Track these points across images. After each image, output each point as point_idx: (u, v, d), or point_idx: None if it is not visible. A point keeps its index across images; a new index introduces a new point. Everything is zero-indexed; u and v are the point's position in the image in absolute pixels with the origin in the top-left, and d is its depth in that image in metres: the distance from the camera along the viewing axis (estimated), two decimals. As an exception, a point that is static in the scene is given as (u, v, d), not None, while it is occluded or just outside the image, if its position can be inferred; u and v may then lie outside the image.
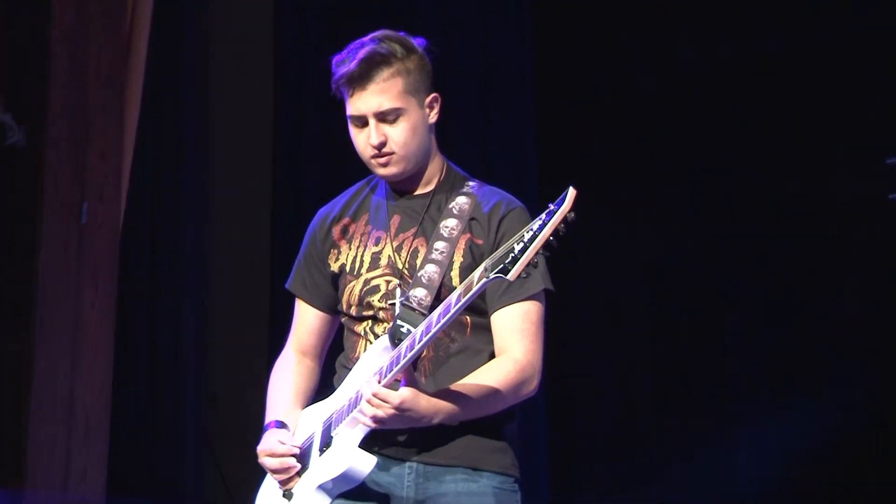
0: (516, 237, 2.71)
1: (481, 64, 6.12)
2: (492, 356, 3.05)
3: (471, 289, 2.74)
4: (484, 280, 2.71)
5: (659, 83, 5.96)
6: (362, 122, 3.08)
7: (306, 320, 3.28)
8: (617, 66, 6.14)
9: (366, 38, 3.11)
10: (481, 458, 3.02)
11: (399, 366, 2.85)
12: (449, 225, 3.06)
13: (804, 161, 5.74)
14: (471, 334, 3.06)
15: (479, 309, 2.99)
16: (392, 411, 2.83)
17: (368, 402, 2.86)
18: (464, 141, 5.93)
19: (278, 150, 6.19)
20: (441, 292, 2.99)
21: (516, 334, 3.01)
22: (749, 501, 5.81)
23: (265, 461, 3.08)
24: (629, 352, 6.17)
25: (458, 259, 3.05)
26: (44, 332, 5.23)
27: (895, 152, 5.49)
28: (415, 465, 3.02)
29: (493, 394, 2.96)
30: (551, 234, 2.66)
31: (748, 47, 5.80)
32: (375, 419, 2.86)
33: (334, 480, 2.98)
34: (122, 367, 5.51)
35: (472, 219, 3.08)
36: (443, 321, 2.80)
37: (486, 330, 3.05)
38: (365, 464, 2.94)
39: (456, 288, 2.89)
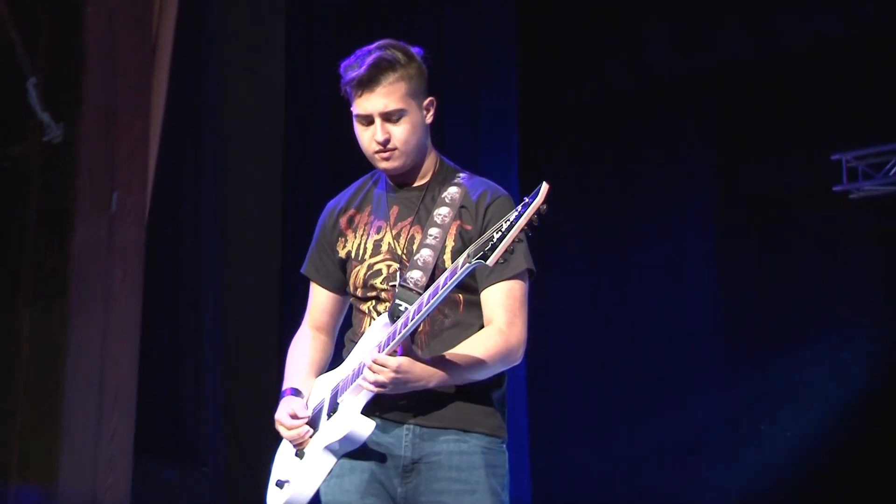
0: (495, 227, 2.84)
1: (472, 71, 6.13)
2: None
3: (455, 273, 2.89)
4: (467, 266, 2.86)
5: (631, 88, 6.05)
6: (368, 120, 3.19)
7: (319, 300, 3.41)
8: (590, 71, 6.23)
9: (371, 46, 3.23)
10: (471, 420, 3.14)
11: (395, 340, 2.98)
12: (442, 213, 3.20)
13: (757, 157, 5.85)
14: (463, 310, 3.18)
15: (471, 288, 3.12)
16: (391, 375, 2.97)
17: (370, 367, 2.99)
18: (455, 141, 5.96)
19: (289, 140, 6.22)
20: (435, 273, 3.12)
21: (501, 308, 3.14)
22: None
23: (281, 428, 3.21)
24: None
25: (449, 243, 3.18)
26: (78, 307, 5.32)
27: (839, 149, 5.70)
28: (412, 427, 3.13)
29: (480, 361, 3.09)
30: (526, 225, 2.79)
31: (709, 56, 5.90)
32: (376, 383, 2.99)
33: (339, 442, 3.10)
34: (147, 339, 5.61)
35: (461, 207, 3.21)
36: (432, 301, 2.94)
37: (477, 306, 3.18)
38: (365, 427, 3.07)
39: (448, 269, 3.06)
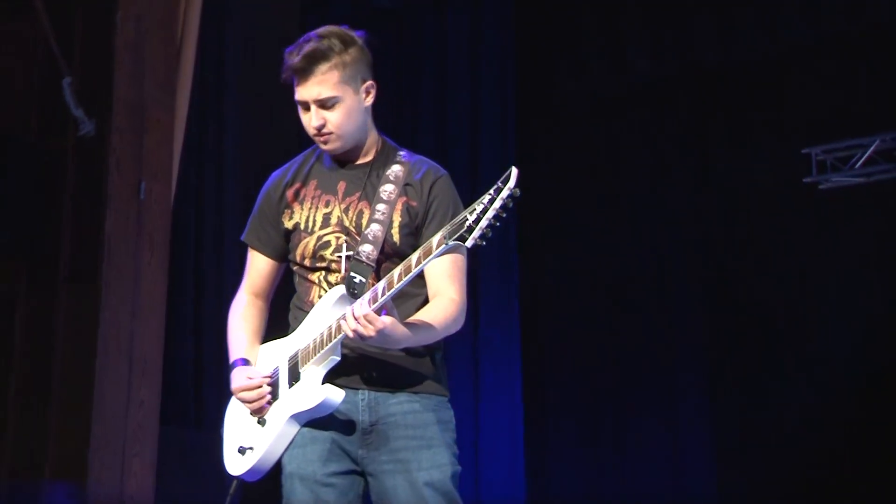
0: (468, 209, 2.88)
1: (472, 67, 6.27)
2: (426, 300, 3.26)
3: (430, 252, 2.94)
4: (444, 246, 2.90)
5: (615, 89, 6.17)
6: (305, 106, 3.25)
7: (259, 267, 3.42)
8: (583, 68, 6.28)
9: (312, 34, 3.27)
10: (418, 382, 3.24)
11: (381, 301, 3.02)
12: (387, 190, 3.26)
13: (733, 152, 5.97)
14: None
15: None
16: (373, 333, 3.02)
17: (356, 319, 3.02)
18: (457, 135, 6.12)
19: (303, 135, 6.56)
20: (384, 247, 3.22)
21: (448, 279, 3.24)
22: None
23: (242, 395, 3.24)
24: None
25: (396, 219, 3.25)
26: (109, 286, 5.45)
27: (809, 144, 5.80)
28: (366, 392, 3.22)
29: (443, 325, 3.19)
30: (500, 208, 2.83)
31: (690, 59, 6.04)
32: (358, 333, 3.03)
33: (309, 411, 3.15)
34: (173, 315, 5.72)
35: (406, 184, 3.27)
36: (406, 278, 2.99)
37: (420, 277, 3.20)
38: (336, 395, 3.14)
39: (396, 242, 3.21)
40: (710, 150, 6.10)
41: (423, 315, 3.22)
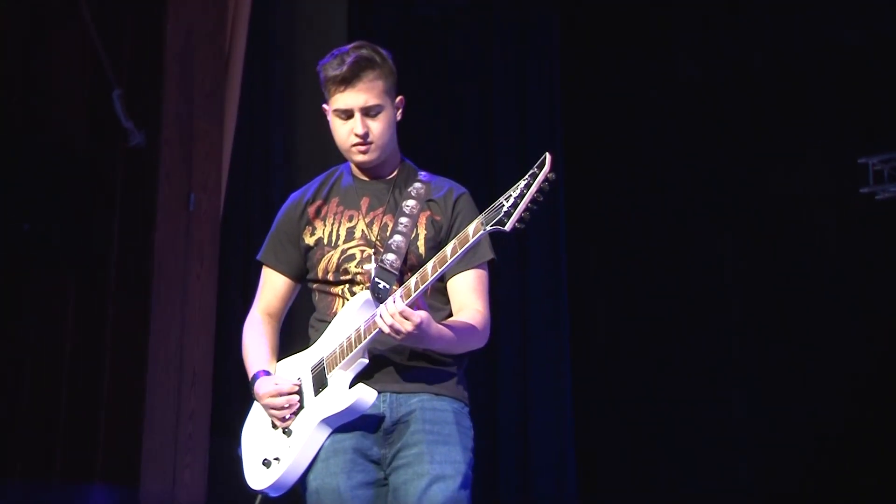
0: (503, 196, 2.90)
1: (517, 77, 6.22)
2: (449, 314, 3.27)
3: (467, 241, 2.96)
4: (481, 232, 2.92)
5: (659, 92, 6.08)
6: (348, 115, 3.25)
7: (275, 286, 3.44)
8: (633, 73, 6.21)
9: (348, 47, 3.31)
10: (441, 386, 3.25)
11: (413, 296, 3.02)
12: (409, 204, 3.28)
13: (787, 162, 5.83)
14: (430, 294, 3.27)
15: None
16: (410, 328, 3.01)
17: (392, 315, 3.00)
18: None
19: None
20: (408, 257, 3.23)
21: (473, 294, 3.26)
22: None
23: (269, 402, 3.21)
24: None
25: (421, 231, 3.27)
26: (159, 298, 5.44)
27: (866, 153, 5.68)
28: (388, 394, 3.20)
29: (470, 334, 3.20)
30: (537, 192, 2.84)
31: (737, 61, 5.94)
32: (394, 329, 3.02)
33: (339, 414, 3.13)
34: (222, 327, 5.67)
35: (428, 200, 3.30)
36: (440, 269, 3.01)
37: (442, 292, 3.29)
38: (369, 396, 3.12)
39: (422, 254, 3.21)
40: (763, 159, 5.98)
41: (452, 321, 3.23)
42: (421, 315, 3.04)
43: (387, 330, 3.03)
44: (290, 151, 6.31)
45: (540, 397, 5.98)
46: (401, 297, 3.06)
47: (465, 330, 3.21)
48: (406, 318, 3.02)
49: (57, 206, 5.58)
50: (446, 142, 6.20)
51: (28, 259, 5.76)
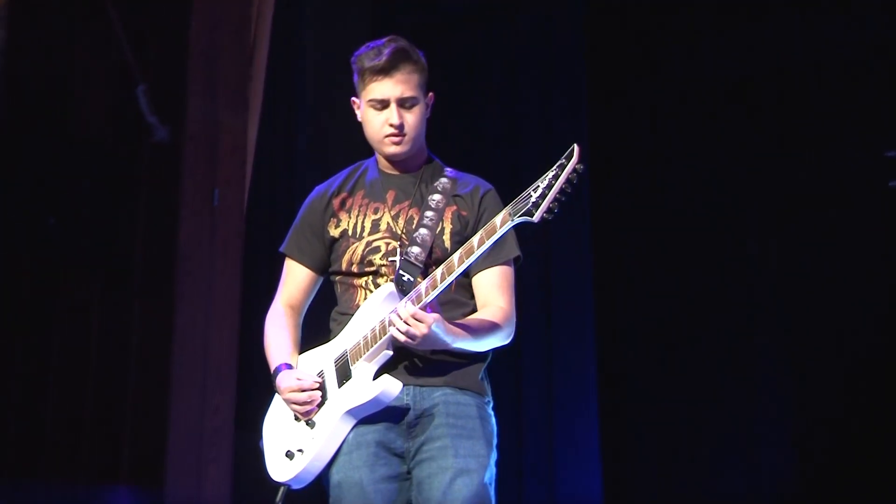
0: (531, 186, 2.87)
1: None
2: (473, 310, 3.26)
3: (494, 232, 2.94)
4: (509, 222, 2.90)
5: (686, 90, 5.99)
6: (384, 105, 3.24)
7: (297, 278, 3.41)
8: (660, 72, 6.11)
9: (384, 40, 3.30)
10: (463, 381, 3.22)
11: (432, 295, 3.02)
12: (435, 199, 3.27)
13: (815, 155, 5.70)
14: (455, 290, 3.24)
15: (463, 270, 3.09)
16: (425, 330, 2.98)
17: (405, 321, 2.99)
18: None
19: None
20: (433, 250, 3.21)
21: (498, 290, 3.25)
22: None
23: (291, 396, 3.18)
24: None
25: (447, 226, 3.26)
26: (184, 293, 5.49)
27: (894, 147, 5.52)
28: (411, 388, 3.16)
29: (491, 332, 3.19)
30: (565, 183, 2.83)
31: (764, 58, 5.82)
32: (408, 335, 3.00)
33: (364, 405, 3.10)
34: (246, 322, 5.60)
35: (454, 195, 3.30)
36: (467, 261, 2.98)
37: (466, 288, 3.27)
38: (394, 387, 3.09)
39: (447, 248, 3.20)
40: (791, 153, 5.84)
41: (471, 319, 3.22)
42: (434, 317, 3.03)
43: (401, 338, 3.03)
44: (314, 146, 6.30)
45: (564, 396, 5.93)
46: (412, 300, 3.06)
47: (486, 328, 3.19)
48: (419, 321, 3.01)
49: (82, 203, 5.60)
50: (469, 141, 6.15)
51: (53, 256, 5.78)
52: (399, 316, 3.02)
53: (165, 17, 5.76)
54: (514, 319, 3.28)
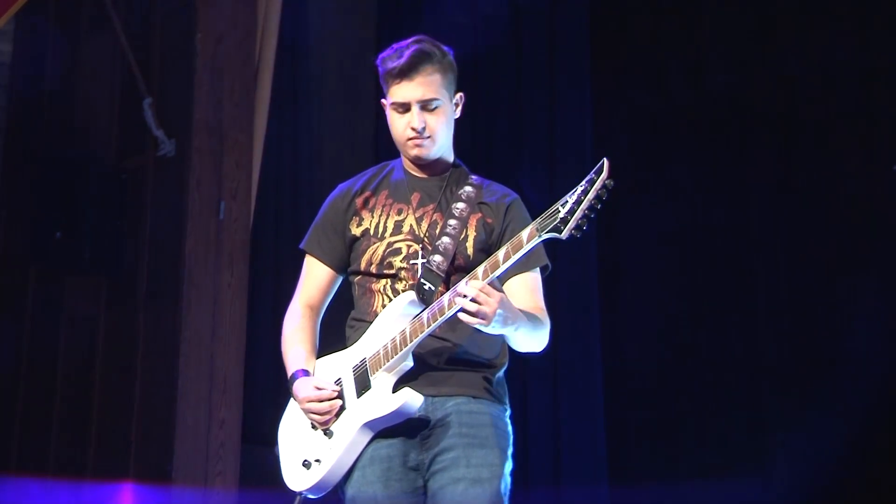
0: (559, 202, 2.82)
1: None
2: None
3: (521, 247, 2.88)
4: (536, 238, 2.86)
5: (695, 101, 5.98)
6: (405, 108, 3.20)
7: (317, 277, 3.34)
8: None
9: (408, 40, 3.25)
10: (479, 389, 3.16)
11: (455, 308, 2.93)
12: (459, 207, 3.21)
13: (821, 169, 5.68)
14: None
15: None
16: (495, 306, 2.89)
17: (475, 299, 2.89)
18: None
19: (380, 150, 6.12)
20: (455, 258, 3.16)
21: (534, 294, 3.20)
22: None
23: (311, 406, 3.13)
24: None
25: (471, 234, 3.20)
26: (189, 306, 5.42)
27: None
28: (425, 398, 3.09)
29: (541, 326, 3.13)
30: (594, 198, 2.78)
31: (773, 70, 5.82)
32: (480, 313, 2.90)
33: (384, 418, 3.05)
34: (253, 335, 5.65)
35: (479, 203, 3.24)
36: (492, 274, 2.92)
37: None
38: (415, 400, 3.04)
39: (470, 256, 3.14)
40: (796, 167, 5.83)
41: (523, 309, 3.13)
42: (502, 294, 2.96)
43: (472, 320, 2.92)
44: (319, 158, 6.30)
45: (570, 399, 5.89)
46: (481, 274, 2.97)
47: (537, 320, 3.14)
48: (489, 296, 2.92)
49: (88, 215, 5.58)
50: (476, 144, 6.12)
51: (60, 268, 5.77)
52: (464, 295, 2.93)
53: (171, 31, 5.73)
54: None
